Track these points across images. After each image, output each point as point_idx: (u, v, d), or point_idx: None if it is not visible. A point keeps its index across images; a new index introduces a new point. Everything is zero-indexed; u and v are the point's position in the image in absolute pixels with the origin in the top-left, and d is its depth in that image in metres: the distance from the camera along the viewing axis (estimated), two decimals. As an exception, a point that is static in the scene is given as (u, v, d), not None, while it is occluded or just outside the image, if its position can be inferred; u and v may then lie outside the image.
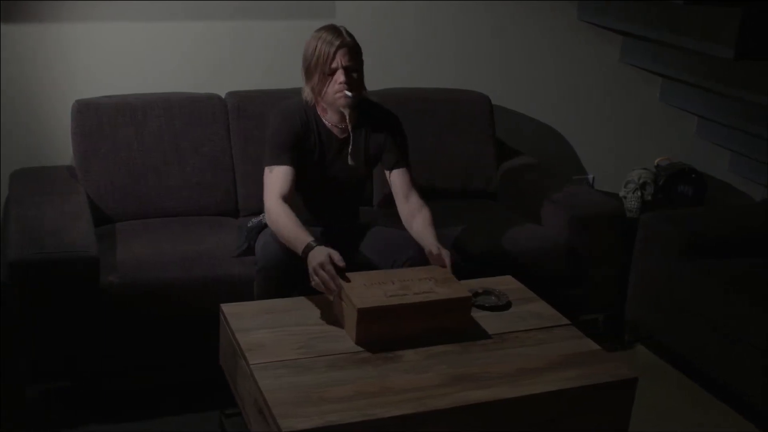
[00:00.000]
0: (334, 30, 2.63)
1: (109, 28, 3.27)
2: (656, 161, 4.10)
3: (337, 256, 2.34)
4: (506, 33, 3.87)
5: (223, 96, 3.33)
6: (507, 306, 2.57)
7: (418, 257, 2.59)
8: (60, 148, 3.26)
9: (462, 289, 2.40)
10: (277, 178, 2.61)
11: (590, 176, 4.22)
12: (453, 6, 3.73)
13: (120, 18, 3.27)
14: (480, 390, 2.13)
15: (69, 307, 2.61)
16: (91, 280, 2.62)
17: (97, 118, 3.11)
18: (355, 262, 2.71)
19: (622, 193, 3.88)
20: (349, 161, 2.73)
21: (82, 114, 3.11)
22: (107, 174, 3.11)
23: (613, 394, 2.25)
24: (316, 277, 2.33)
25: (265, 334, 2.31)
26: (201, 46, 3.41)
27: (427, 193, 3.45)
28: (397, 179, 2.78)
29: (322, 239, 2.49)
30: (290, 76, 3.19)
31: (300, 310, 2.45)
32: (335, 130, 2.73)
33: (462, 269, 2.82)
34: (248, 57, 3.49)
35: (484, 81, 3.82)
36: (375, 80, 3.54)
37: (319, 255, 2.34)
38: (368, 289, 2.30)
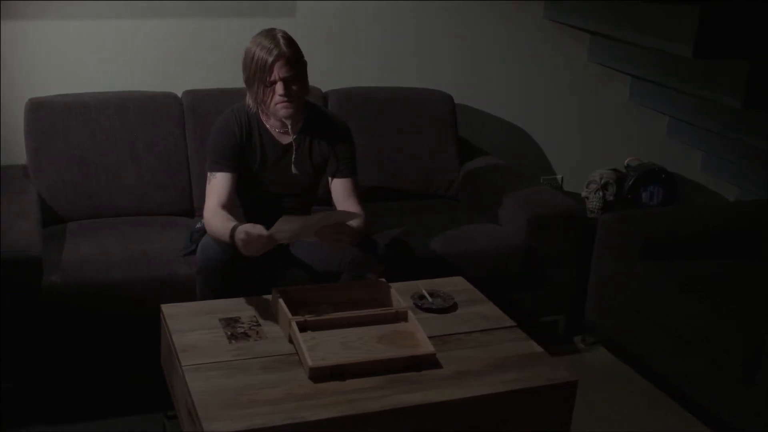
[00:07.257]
0: (271, 37, 2.54)
1: (64, 26, 3.23)
2: (626, 161, 4.07)
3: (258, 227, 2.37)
4: (470, 31, 3.83)
5: (179, 95, 3.30)
6: (453, 308, 2.53)
7: (361, 255, 2.58)
8: (14, 146, 3.22)
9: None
10: (216, 187, 2.61)
11: (559, 177, 4.18)
12: (414, 4, 3.69)
13: (75, 16, 3.23)
14: (414, 393, 2.10)
15: (10, 307, 2.57)
16: (32, 280, 2.58)
17: (50, 117, 3.08)
18: (302, 266, 2.68)
19: (584, 194, 3.84)
20: (293, 170, 2.69)
21: (34, 112, 3.08)
22: (59, 173, 3.08)
23: (552, 397, 2.22)
24: (243, 236, 2.33)
25: (202, 335, 2.29)
26: (158, 44, 3.38)
27: (387, 193, 3.47)
28: (338, 187, 2.73)
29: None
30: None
31: (239, 311, 2.42)
32: (278, 136, 2.69)
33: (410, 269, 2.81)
34: (206, 56, 3.45)
35: (448, 80, 3.78)
36: (335, 79, 3.53)
37: (241, 229, 2.37)
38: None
